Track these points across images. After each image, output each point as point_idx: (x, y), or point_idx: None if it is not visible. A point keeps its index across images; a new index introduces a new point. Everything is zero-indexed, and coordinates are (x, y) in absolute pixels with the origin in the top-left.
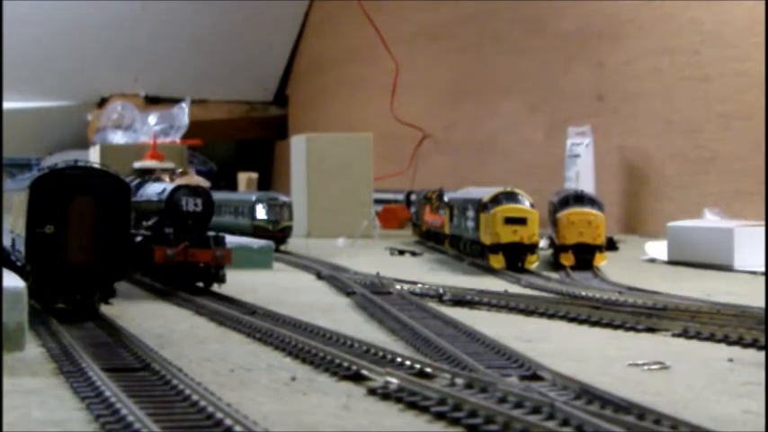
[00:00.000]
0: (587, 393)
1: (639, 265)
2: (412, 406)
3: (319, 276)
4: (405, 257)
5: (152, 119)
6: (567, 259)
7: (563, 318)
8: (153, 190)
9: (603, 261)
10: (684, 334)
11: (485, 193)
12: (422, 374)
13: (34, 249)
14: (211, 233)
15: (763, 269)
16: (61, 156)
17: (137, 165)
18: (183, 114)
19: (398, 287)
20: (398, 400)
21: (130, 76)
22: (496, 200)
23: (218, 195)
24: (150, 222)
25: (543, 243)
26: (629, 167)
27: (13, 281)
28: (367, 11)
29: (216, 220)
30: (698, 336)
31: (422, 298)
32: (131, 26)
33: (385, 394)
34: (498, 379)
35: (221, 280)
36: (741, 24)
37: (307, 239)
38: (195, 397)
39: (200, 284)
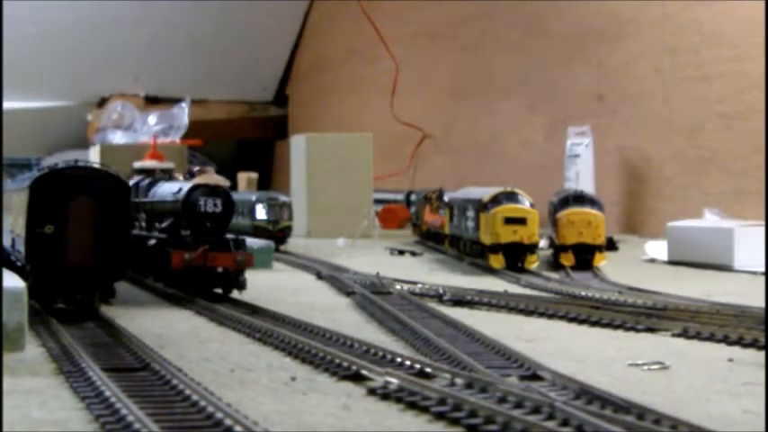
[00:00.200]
0: (587, 393)
1: (639, 265)
2: (412, 406)
3: (319, 276)
4: (405, 257)
5: (152, 119)
6: (567, 259)
7: (563, 318)
8: (168, 189)
9: (603, 261)
10: (684, 334)
11: (485, 193)
12: (422, 374)
13: (34, 249)
14: (230, 236)
15: (763, 269)
16: (61, 156)
17: (137, 165)
18: (182, 114)
19: (398, 287)
20: (398, 400)
21: (130, 76)
22: (496, 200)
23: None
24: (165, 224)
25: (543, 243)
26: (629, 167)
27: (13, 281)
28: (367, 11)
29: None
30: (698, 336)
31: (422, 298)
32: (131, 26)
33: (385, 394)
34: (498, 379)
35: (242, 286)
36: (741, 24)
37: (306, 239)
38: (195, 397)
39: (219, 291)
